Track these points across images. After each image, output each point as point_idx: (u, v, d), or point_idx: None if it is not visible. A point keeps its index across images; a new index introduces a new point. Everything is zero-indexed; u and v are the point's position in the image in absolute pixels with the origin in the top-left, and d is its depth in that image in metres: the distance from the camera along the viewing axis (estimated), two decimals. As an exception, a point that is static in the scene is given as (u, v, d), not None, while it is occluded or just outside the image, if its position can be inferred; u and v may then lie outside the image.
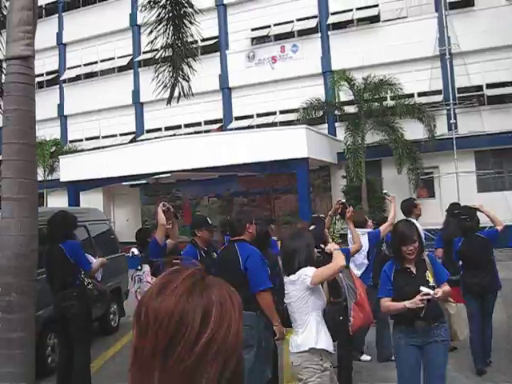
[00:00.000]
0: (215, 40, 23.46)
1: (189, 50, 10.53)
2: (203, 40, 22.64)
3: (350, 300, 5.86)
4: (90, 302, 6.50)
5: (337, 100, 19.67)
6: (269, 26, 22.63)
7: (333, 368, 4.71)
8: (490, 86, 19.45)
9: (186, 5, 10.02)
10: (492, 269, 6.63)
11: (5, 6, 7.62)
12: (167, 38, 10.02)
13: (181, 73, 10.14)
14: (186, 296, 1.15)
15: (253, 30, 23.06)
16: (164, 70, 10.04)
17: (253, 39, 23.32)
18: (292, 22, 22.30)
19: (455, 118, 18.91)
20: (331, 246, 4.95)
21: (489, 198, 15.69)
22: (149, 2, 9.95)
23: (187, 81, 10.17)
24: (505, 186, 19.01)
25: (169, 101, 10.40)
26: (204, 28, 22.40)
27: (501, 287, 6.74)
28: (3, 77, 6.09)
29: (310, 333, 4.31)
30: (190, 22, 10.21)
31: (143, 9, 10.11)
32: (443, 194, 18.62)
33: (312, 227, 6.52)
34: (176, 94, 10.18)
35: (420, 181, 18.49)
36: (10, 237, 4.55)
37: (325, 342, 4.36)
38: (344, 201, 6.75)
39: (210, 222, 6.69)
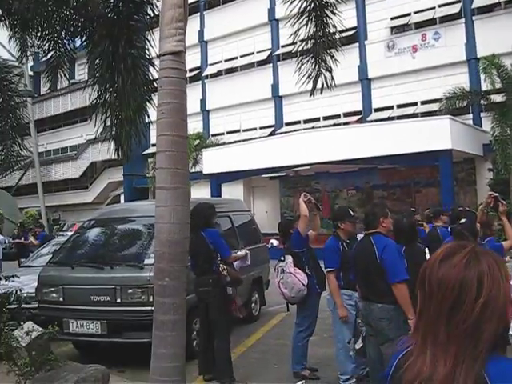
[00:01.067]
0: (354, 31, 23.25)
1: (331, 41, 10.56)
2: (342, 31, 22.55)
3: None
4: (223, 288, 6.78)
5: (484, 88, 18.71)
6: (409, 14, 22.05)
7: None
8: None
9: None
10: None
11: (156, 6, 8.07)
12: (309, 30, 10.13)
13: (323, 64, 10.20)
14: (464, 267, 1.46)
15: (392, 19, 22.59)
16: (307, 62, 10.16)
17: (392, 28, 22.83)
18: (433, 8, 21.53)
19: None
20: None
21: None
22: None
23: (330, 72, 10.21)
24: None
25: (312, 92, 10.48)
26: (343, 19, 22.61)
27: None
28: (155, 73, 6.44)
29: None
30: (332, 13, 10.24)
31: (285, 1, 10.30)
32: None
33: (463, 220, 6.37)
34: (319, 85, 10.28)
35: None
36: (164, 224, 4.76)
37: None
38: (497, 194, 6.49)
39: (352, 213, 6.69)
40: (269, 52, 25.84)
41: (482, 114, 20.12)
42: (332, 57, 10.33)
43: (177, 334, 4.69)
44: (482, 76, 18.39)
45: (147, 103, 9.19)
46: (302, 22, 10.05)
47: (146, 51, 9.06)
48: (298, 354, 6.84)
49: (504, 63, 17.83)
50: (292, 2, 10.05)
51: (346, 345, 6.33)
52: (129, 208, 9.67)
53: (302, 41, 10.20)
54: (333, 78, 10.25)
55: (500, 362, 1.42)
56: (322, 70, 10.17)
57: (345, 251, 6.37)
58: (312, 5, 9.98)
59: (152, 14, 8.72)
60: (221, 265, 6.86)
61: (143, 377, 5.48)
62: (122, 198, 29.57)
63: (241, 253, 7.67)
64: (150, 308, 4.88)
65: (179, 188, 4.83)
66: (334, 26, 10.34)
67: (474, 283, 1.43)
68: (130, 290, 7.04)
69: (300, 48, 10.29)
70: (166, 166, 4.85)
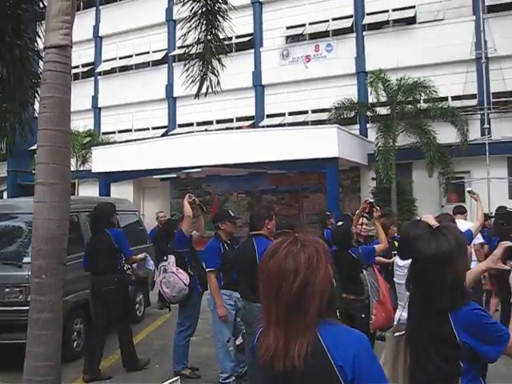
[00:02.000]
0: (250, 37, 23.56)
1: (220, 46, 10.64)
2: (238, 37, 22.87)
3: (372, 298, 5.96)
4: (127, 287, 7.17)
5: (370, 101, 19.58)
6: (304, 25, 22.65)
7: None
8: (526, 91, 19.23)
9: (220, 0, 10.13)
10: None
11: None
12: (199, 33, 10.17)
13: (210, 67, 10.27)
14: (282, 259, 1.92)
15: (288, 28, 23.10)
16: (194, 65, 10.20)
17: (287, 37, 23.34)
18: (327, 21, 22.27)
19: (489, 123, 18.75)
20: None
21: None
22: (183, -4, 10.07)
23: (216, 75, 10.30)
24: (536, 193, 18.79)
25: (196, 95, 10.59)
26: (239, 25, 22.80)
27: None
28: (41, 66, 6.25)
29: None
30: (224, 18, 10.32)
31: (177, 2, 10.27)
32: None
33: (340, 223, 6.62)
34: (205, 89, 10.35)
35: (450, 185, 18.32)
36: (42, 221, 4.65)
37: None
38: (372, 200, 6.79)
39: (232, 214, 6.84)
40: (165, 52, 25.58)
41: (368, 125, 21.00)
42: (220, 62, 10.42)
43: (52, 333, 4.59)
44: (369, 89, 19.23)
45: (34, 96, 8.87)
46: (191, 25, 10.10)
47: (36, 43, 8.74)
48: (179, 354, 6.84)
49: (390, 78, 18.74)
50: (184, 4, 10.06)
51: (226, 344, 6.39)
52: (10, 204, 9.27)
53: (191, 44, 10.25)
54: (219, 82, 10.36)
55: (328, 325, 1.90)
56: (208, 73, 10.26)
57: (225, 252, 6.48)
58: (204, 9, 10.04)
59: (42, 5, 8.41)
60: (125, 264, 6.93)
61: (17, 377, 5.26)
62: (5, 194, 28.07)
63: (140, 255, 7.72)
64: (28, 308, 4.69)
65: (58, 184, 4.72)
66: (225, 32, 10.46)
67: (291, 271, 1.88)
68: (8, 289, 6.85)
69: (191, 51, 10.33)
70: (45, 161, 4.74)
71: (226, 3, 10.18)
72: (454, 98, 19.64)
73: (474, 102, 19.40)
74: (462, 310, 2.48)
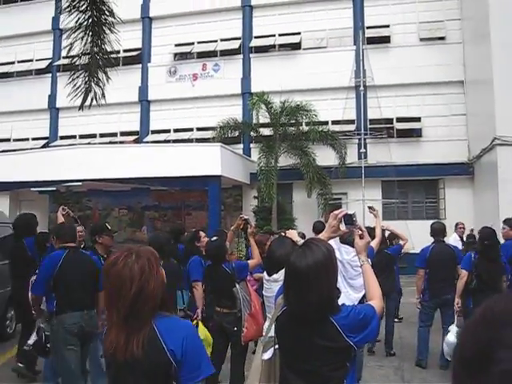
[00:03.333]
0: (138, 52, 23.35)
1: (107, 59, 10.45)
2: (126, 51, 22.58)
3: (244, 311, 6.02)
4: None
5: (254, 121, 19.95)
6: (192, 43, 22.78)
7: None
8: (399, 119, 20.42)
9: (106, 13, 9.96)
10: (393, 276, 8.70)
11: None
12: (85, 44, 9.93)
13: (95, 79, 10.05)
14: (122, 268, 2.28)
15: (176, 45, 23.13)
16: (79, 76, 9.93)
17: (175, 55, 23.36)
18: (216, 41, 22.54)
19: (365, 148, 19.67)
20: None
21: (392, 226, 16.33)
22: (68, 6, 9.81)
23: (101, 88, 10.09)
24: (408, 215, 19.87)
25: (80, 107, 10.29)
26: (127, 39, 22.57)
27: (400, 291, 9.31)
28: None
29: None
30: (111, 31, 10.15)
31: (64, 11, 9.98)
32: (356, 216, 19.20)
33: (214, 238, 6.64)
34: (89, 101, 10.09)
35: (328, 206, 18.95)
36: None
37: None
38: (247, 217, 6.86)
39: (109, 228, 6.73)
40: (49, 61, 24.74)
41: (251, 145, 21.38)
42: (106, 74, 10.22)
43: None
44: (253, 110, 19.60)
45: None
46: (78, 35, 9.84)
47: None
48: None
49: (274, 100, 19.22)
50: (71, 14, 9.80)
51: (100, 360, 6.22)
52: None
53: (77, 55, 9.98)
54: (104, 95, 10.15)
55: (163, 317, 2.34)
56: (93, 85, 10.02)
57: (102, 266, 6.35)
58: (90, 20, 9.82)
59: None
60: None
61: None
62: None
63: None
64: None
65: None
66: (111, 44, 10.29)
67: (127, 280, 2.27)
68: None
69: (76, 62, 10.06)
70: None
71: (113, 16, 10.02)
72: (334, 123, 20.47)
73: (352, 127, 20.31)
74: (342, 312, 2.60)
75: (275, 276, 4.76)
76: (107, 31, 10.05)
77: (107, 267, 2.38)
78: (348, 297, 5.92)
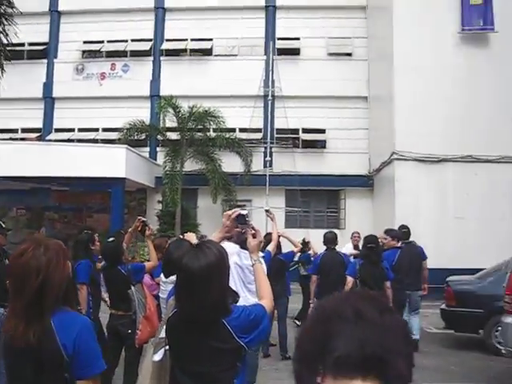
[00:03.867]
0: (44, 46, 22.56)
1: (3, 51, 10.08)
2: (31, 44, 21.81)
3: (139, 313, 5.95)
4: None
5: (161, 125, 19.75)
6: (102, 42, 22.27)
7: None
8: (305, 130, 20.90)
9: (5, 3, 9.61)
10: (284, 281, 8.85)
11: None
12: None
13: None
14: (30, 259, 2.35)
15: (85, 42, 22.54)
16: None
17: (84, 52, 22.76)
18: (126, 41, 22.16)
19: (271, 156, 19.99)
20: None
21: (295, 234, 16.59)
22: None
23: None
24: (309, 224, 20.32)
25: None
26: (33, 32, 21.79)
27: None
28: None
29: None
30: (9, 22, 9.80)
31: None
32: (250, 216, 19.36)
33: (110, 239, 6.53)
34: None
35: (233, 212, 19.02)
36: None
37: None
38: (144, 219, 6.78)
39: (3, 225, 6.53)
40: None
41: (158, 149, 21.17)
42: (2, 67, 9.81)
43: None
44: (159, 113, 19.42)
45: None
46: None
47: None
48: None
49: (182, 105, 19.13)
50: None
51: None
52: None
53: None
54: None
55: (62, 312, 2.40)
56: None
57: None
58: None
59: None
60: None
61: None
62: None
63: None
64: None
65: None
66: (7, 37, 9.90)
67: (34, 269, 2.34)
68: None
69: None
70: None
71: (12, 7, 9.67)
72: (241, 130, 20.65)
73: (259, 135, 20.59)
74: (234, 314, 2.61)
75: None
76: (5, 22, 9.72)
77: (15, 257, 2.45)
78: (247, 301, 5.97)
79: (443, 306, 9.86)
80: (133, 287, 6.06)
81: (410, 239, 9.70)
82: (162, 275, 5.43)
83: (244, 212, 3.21)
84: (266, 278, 3.11)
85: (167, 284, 5.00)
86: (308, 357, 1.07)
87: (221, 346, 2.59)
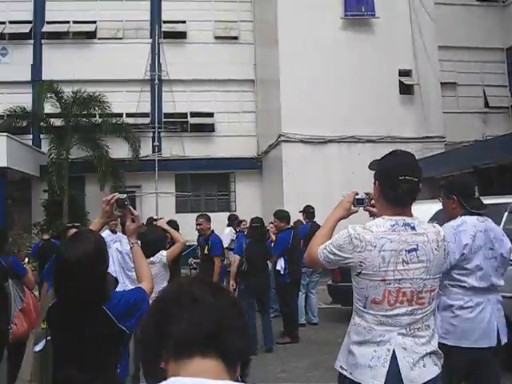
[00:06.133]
0: None
1: None
2: None
3: (15, 307, 5.80)
4: None
5: (43, 111, 19.05)
6: (-25, 24, 21.11)
7: None
8: (193, 114, 20.93)
9: None
10: None
11: None
12: None
13: None
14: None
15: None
16: None
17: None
18: (4, 23, 21.09)
19: (159, 141, 19.94)
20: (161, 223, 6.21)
21: (185, 219, 16.71)
22: None
23: None
24: (200, 207, 20.45)
25: None
26: None
27: None
28: None
29: None
30: None
31: None
32: (144, 212, 19.20)
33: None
34: None
35: (120, 199, 18.75)
36: None
37: None
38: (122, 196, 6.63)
39: None
40: None
41: (42, 136, 20.43)
42: None
43: None
44: (41, 99, 18.72)
45: None
46: None
47: None
48: None
49: (66, 90, 18.57)
50: None
51: None
52: None
53: None
54: None
55: None
56: None
57: None
58: None
59: None
60: None
61: None
62: None
63: None
64: None
65: None
66: None
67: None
68: None
69: None
70: None
71: None
72: (129, 115, 20.36)
73: (146, 120, 20.44)
74: (113, 299, 2.67)
75: (152, 259, 5.54)
76: None
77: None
78: (125, 288, 6.10)
79: (330, 282, 10.22)
80: (10, 280, 5.93)
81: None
82: None
83: (122, 196, 3.23)
84: (144, 260, 3.21)
85: None
86: (151, 344, 1.21)
87: (102, 331, 2.62)
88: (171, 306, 1.21)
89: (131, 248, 3.25)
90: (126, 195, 3.27)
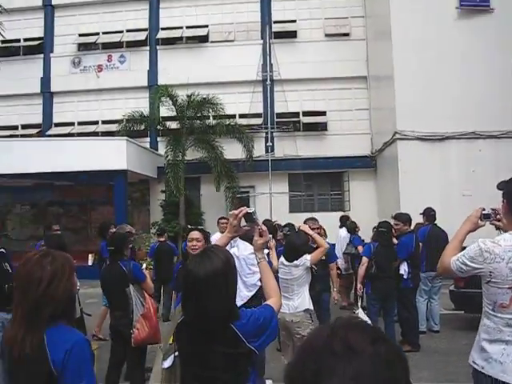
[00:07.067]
0: (40, 41, 22.44)
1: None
2: (26, 40, 21.73)
3: (136, 312, 5.86)
4: None
5: (160, 115, 19.58)
6: (97, 34, 22.15)
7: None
8: (305, 113, 20.75)
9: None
10: None
11: None
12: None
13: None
14: (34, 268, 2.37)
15: (80, 35, 22.41)
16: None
17: (80, 45, 22.62)
18: (121, 32, 22.03)
19: (272, 141, 19.85)
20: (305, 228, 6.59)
21: (299, 218, 16.55)
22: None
23: None
24: (314, 207, 20.24)
25: None
26: (28, 27, 21.71)
27: None
28: None
29: (304, 299, 6.11)
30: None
31: None
32: (257, 212, 19.30)
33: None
34: None
35: (236, 199, 18.98)
36: None
37: (311, 304, 6.16)
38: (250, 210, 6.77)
39: None
40: None
41: (158, 139, 21.07)
42: None
43: None
44: (156, 103, 19.25)
45: None
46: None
47: None
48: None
49: (180, 94, 19.00)
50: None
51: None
52: None
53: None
54: None
55: (56, 327, 2.36)
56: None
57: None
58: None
59: None
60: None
61: None
62: None
63: None
64: None
65: None
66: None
67: (37, 278, 2.35)
68: None
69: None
70: None
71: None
72: (241, 116, 20.54)
73: (259, 120, 20.45)
74: (242, 319, 2.56)
75: (296, 262, 6.10)
76: None
77: (20, 264, 2.47)
78: (239, 294, 5.96)
79: (452, 288, 9.69)
80: (131, 286, 5.95)
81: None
82: (283, 259, 6.30)
83: (251, 210, 3.15)
84: (272, 275, 3.06)
85: (290, 267, 6.13)
86: None
87: (230, 351, 2.55)
88: (323, 355, 0.99)
89: (258, 263, 3.08)
90: (254, 209, 3.18)
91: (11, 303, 6.07)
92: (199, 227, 6.87)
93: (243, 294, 6.15)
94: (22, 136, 21.25)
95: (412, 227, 9.10)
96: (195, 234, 5.37)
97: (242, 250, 6.41)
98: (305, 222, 8.06)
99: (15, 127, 22.23)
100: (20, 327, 2.36)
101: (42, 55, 22.50)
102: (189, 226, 12.58)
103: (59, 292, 2.38)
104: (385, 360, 0.98)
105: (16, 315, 2.41)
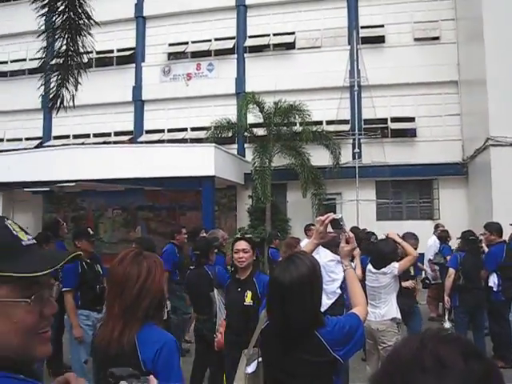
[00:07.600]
0: (132, 51, 23.24)
1: (77, 63, 10.42)
2: (119, 50, 22.55)
3: (220, 316, 5.90)
4: None
5: (247, 122, 19.80)
6: (186, 43, 22.70)
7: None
8: (393, 119, 20.38)
9: (83, 15, 9.92)
10: None
11: None
12: (60, 47, 9.93)
13: (68, 81, 10.04)
14: (131, 265, 2.47)
15: (170, 45, 23.04)
16: (51, 79, 9.96)
17: (169, 54, 23.25)
18: (210, 41, 22.48)
19: (359, 148, 19.62)
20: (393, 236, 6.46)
21: (387, 226, 16.26)
22: (45, 6, 9.83)
23: (70, 91, 10.09)
24: (402, 215, 19.84)
25: (51, 108, 10.29)
26: (121, 38, 22.56)
27: None
28: None
29: (391, 307, 6.02)
30: (84, 34, 10.11)
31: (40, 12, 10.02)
32: (344, 219, 19.11)
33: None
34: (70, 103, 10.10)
35: (323, 206, 18.87)
36: None
37: (399, 313, 6.05)
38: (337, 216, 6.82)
39: (91, 233, 6.62)
40: (42, 60, 24.52)
41: (245, 145, 21.31)
42: (76, 78, 10.15)
43: None
44: (243, 110, 19.45)
45: None
46: (61, 35, 9.81)
47: None
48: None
49: (268, 100, 19.13)
50: (51, 16, 9.78)
51: (83, 365, 6.13)
52: None
53: (59, 54, 9.95)
54: (73, 98, 10.12)
55: (147, 326, 2.41)
56: (68, 87, 9.98)
57: (84, 271, 6.24)
58: (67, 22, 9.77)
59: None
60: None
61: None
62: None
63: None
64: None
65: None
66: (84, 47, 10.25)
67: (135, 274, 2.44)
68: None
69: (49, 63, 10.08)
70: None
71: (89, 19, 10.00)
72: (328, 123, 20.43)
73: (346, 127, 20.25)
74: (327, 326, 2.56)
75: (384, 270, 6.07)
76: (83, 33, 10.03)
77: (115, 262, 2.54)
78: None
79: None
80: (215, 290, 6.00)
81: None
82: (370, 267, 6.30)
83: (338, 216, 3.11)
84: (358, 284, 3.02)
85: (378, 274, 6.12)
86: None
87: (315, 359, 2.53)
88: (412, 369, 0.92)
89: (345, 271, 3.04)
90: (341, 215, 3.13)
91: (101, 303, 6.24)
92: (246, 236, 6.61)
93: (323, 302, 6.07)
94: (115, 143, 22.03)
95: (506, 238, 8.68)
96: (241, 245, 4.90)
97: (322, 257, 6.36)
98: (403, 237, 7.91)
99: (108, 134, 23.10)
100: (116, 324, 2.41)
101: (133, 65, 23.30)
102: (278, 234, 12.63)
103: (155, 286, 2.47)
104: (478, 377, 0.91)
105: (112, 313, 2.47)
